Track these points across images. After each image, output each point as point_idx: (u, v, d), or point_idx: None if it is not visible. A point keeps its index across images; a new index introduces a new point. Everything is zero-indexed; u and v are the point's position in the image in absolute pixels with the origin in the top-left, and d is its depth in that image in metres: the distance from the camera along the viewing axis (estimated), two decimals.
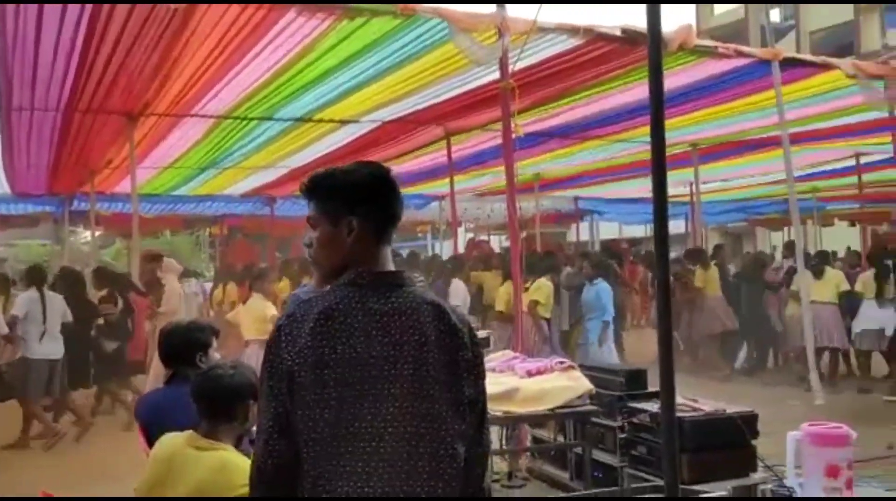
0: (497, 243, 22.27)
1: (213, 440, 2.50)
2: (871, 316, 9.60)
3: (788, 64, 7.93)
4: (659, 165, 2.72)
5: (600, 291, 8.94)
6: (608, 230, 23.07)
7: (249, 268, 11.17)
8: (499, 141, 9.60)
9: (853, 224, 23.46)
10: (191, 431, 2.53)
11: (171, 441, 2.55)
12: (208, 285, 14.72)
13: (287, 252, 17.37)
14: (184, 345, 3.05)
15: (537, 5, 5.69)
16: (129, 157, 8.60)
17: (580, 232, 21.39)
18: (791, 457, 2.68)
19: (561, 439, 5.26)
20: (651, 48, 2.69)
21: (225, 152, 10.22)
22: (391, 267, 1.83)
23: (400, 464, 1.64)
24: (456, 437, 1.69)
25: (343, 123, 8.74)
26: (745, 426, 4.25)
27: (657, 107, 2.77)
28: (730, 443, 4.21)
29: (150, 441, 2.82)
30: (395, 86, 7.47)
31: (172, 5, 5.32)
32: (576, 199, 17.34)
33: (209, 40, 6.04)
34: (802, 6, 33.80)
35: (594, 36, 6.55)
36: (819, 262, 10.13)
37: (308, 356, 1.67)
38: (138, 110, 7.85)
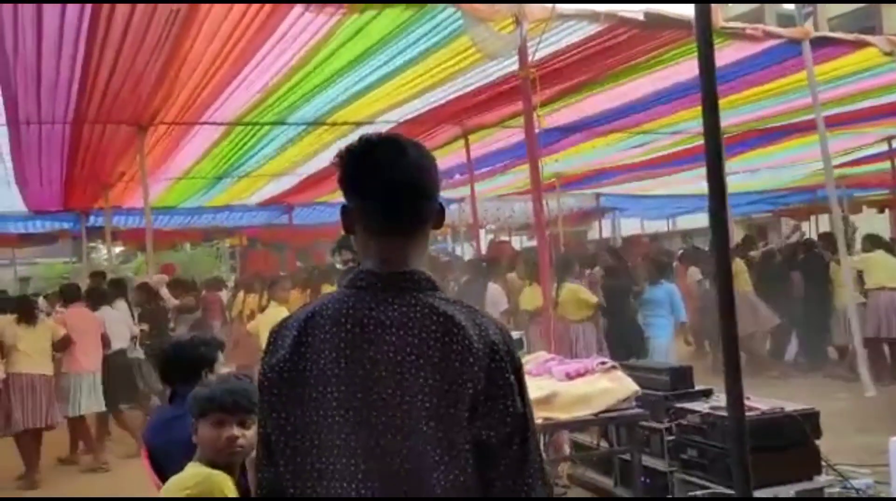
0: (518, 243, 21.97)
1: None
2: None
3: (819, 44, 7.58)
4: (715, 154, 2.44)
5: (670, 291, 8.70)
6: (629, 227, 22.68)
7: (267, 277, 10.99)
8: (518, 138, 9.41)
9: (882, 211, 22.94)
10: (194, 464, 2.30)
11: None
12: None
13: (308, 260, 17.19)
14: (188, 362, 2.79)
15: None
16: (140, 169, 8.42)
17: (602, 229, 21.03)
18: (895, 466, 2.35)
19: (604, 443, 4.94)
20: (699, 26, 2.41)
21: (239, 161, 10.02)
22: (410, 266, 1.46)
23: None
24: (450, 489, 1.32)
25: (357, 125, 8.50)
26: (807, 424, 3.94)
27: (710, 87, 2.49)
28: (791, 443, 3.91)
29: (155, 464, 2.58)
30: (410, 83, 7.21)
31: (174, 5, 5.10)
32: (597, 196, 17.01)
33: (214, 43, 5.82)
34: None
35: (616, 21, 6.26)
36: (877, 244, 9.68)
37: (285, 369, 1.40)
38: (147, 119, 7.66)
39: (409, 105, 7.92)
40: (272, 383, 1.41)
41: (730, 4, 32.97)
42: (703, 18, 2.43)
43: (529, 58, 5.92)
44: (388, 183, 1.45)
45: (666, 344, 8.48)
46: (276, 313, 7.63)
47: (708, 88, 2.36)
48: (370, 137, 1.52)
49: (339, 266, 3.98)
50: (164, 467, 2.56)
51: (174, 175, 10.62)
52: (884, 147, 12.70)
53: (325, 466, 1.36)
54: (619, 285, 8.98)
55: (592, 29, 6.30)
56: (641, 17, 6.33)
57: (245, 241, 18.90)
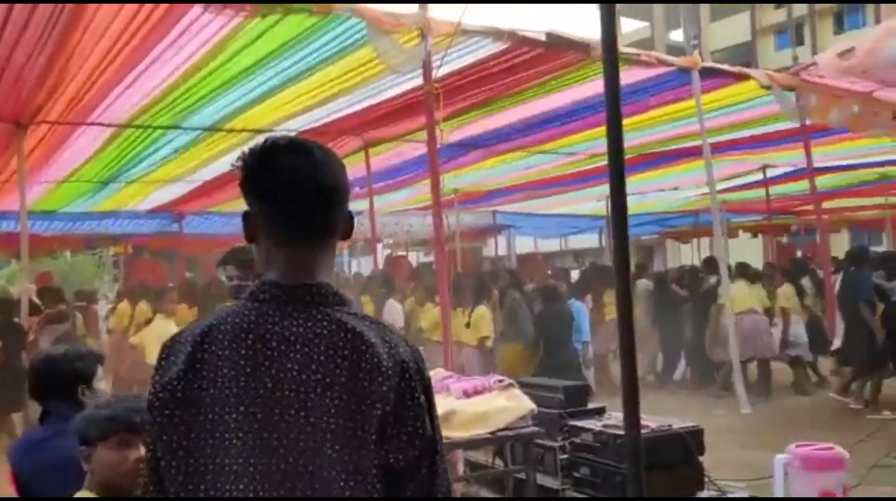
0: (415, 258, 21.97)
1: None
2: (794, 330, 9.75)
3: (707, 73, 7.99)
4: (618, 174, 2.49)
5: (577, 312, 8.72)
6: (523, 245, 23.13)
7: (153, 288, 10.48)
8: (418, 153, 9.41)
9: (755, 235, 24.43)
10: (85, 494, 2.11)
11: None
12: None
13: (199, 272, 16.57)
14: (62, 377, 2.54)
15: (461, 6, 5.42)
16: (18, 170, 7.86)
17: (497, 247, 21.35)
18: (779, 481, 2.44)
19: (499, 462, 4.94)
20: (605, 48, 2.46)
21: (127, 165, 9.53)
22: (317, 278, 1.37)
23: None
24: None
25: (255, 132, 8.26)
26: (692, 441, 4.07)
27: (614, 107, 2.54)
28: (677, 460, 4.00)
29: (21, 489, 2.37)
30: (311, 92, 7.08)
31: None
32: (494, 213, 17.27)
33: (105, 39, 5.52)
34: (704, 27, 35.23)
35: (518, 40, 6.37)
36: (743, 273, 10.22)
37: (178, 389, 1.28)
38: (27, 117, 7.16)
39: (310, 115, 7.77)
40: (164, 403, 1.30)
41: (623, 33, 34.45)
42: (610, 40, 2.48)
43: (434, 73, 5.92)
44: (295, 187, 1.36)
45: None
46: (163, 326, 7.30)
47: (613, 112, 2.40)
48: (276, 138, 1.42)
49: (225, 282, 3.81)
50: (32, 492, 2.36)
51: (56, 178, 9.99)
52: (759, 176, 13.51)
53: (220, 493, 1.26)
54: (555, 310, 8.87)
55: (496, 47, 6.38)
56: (543, 38, 6.47)
57: (130, 249, 18.03)
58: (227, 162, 9.42)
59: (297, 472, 1.25)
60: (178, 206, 12.96)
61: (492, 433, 4.04)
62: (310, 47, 6.01)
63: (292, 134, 8.32)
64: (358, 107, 7.65)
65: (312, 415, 1.27)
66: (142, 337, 7.79)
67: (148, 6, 5.05)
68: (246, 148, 1.42)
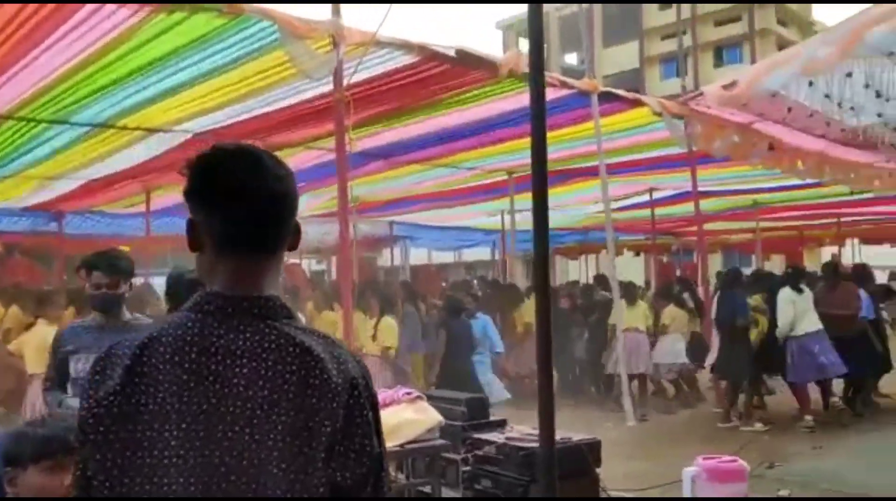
0: (307, 266, 21.64)
1: None
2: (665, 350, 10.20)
3: (605, 98, 8.31)
4: (540, 188, 2.55)
5: (486, 324, 8.75)
6: (417, 256, 23.26)
7: (31, 291, 9.80)
8: (318, 160, 9.29)
9: (638, 254, 25.59)
10: None
11: None
12: None
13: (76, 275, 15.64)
14: None
15: (377, 17, 5.42)
16: None
17: (393, 257, 21.38)
18: (687, 492, 2.56)
19: (401, 475, 4.92)
20: (532, 49, 2.53)
21: (4, 159, 8.92)
22: (265, 290, 1.33)
23: None
24: None
25: (150, 131, 7.93)
26: (590, 453, 4.19)
27: (539, 118, 2.61)
28: (576, 472, 4.12)
29: None
30: (214, 93, 6.86)
31: None
32: (391, 224, 17.28)
33: None
34: (596, 53, 36.64)
35: (428, 54, 6.42)
36: (630, 291, 10.64)
37: (114, 404, 1.22)
38: None
39: (212, 116, 7.52)
40: (98, 419, 1.22)
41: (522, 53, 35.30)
42: (536, 48, 2.54)
43: (345, 80, 5.88)
44: (245, 195, 1.32)
45: (489, 379, 8.58)
46: (45, 332, 6.82)
47: (538, 127, 2.47)
48: (223, 145, 1.38)
49: (89, 289, 3.56)
50: None
51: None
52: (646, 197, 14.17)
53: None
54: (455, 323, 8.84)
55: (406, 59, 6.40)
56: (452, 54, 6.55)
57: (0, 248, 16.84)
58: (118, 160, 9.00)
59: (240, 491, 1.21)
60: (59, 204, 12.24)
61: (401, 445, 4.04)
62: (216, 47, 5.83)
63: (190, 135, 8.08)
64: (262, 110, 7.47)
65: (258, 433, 1.23)
66: (20, 343, 7.24)
67: None
68: (192, 156, 1.37)
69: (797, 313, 8.68)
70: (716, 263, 23.77)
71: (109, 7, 4.93)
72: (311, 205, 12.93)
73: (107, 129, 7.75)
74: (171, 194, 10.79)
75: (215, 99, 7.01)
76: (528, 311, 10.90)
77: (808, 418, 8.47)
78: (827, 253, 24.83)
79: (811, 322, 8.69)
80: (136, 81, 6.45)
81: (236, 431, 1.23)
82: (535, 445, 4.10)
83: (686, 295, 11.32)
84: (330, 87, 6.08)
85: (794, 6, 40.48)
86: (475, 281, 16.73)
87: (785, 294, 8.83)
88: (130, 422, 1.22)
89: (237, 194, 1.32)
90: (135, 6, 4.95)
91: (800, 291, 8.86)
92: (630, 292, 10.64)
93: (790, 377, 8.87)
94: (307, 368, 1.27)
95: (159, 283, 13.62)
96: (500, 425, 4.75)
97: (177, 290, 2.50)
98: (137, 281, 10.37)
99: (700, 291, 11.58)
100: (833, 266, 9.92)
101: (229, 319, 1.29)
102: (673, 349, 10.19)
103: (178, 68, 6.20)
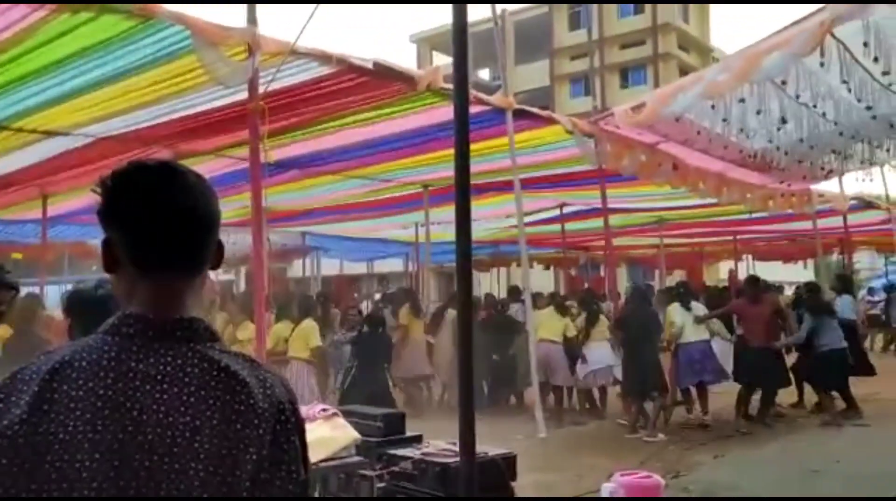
0: (213, 275, 21.04)
1: None
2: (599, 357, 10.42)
3: (519, 115, 8.47)
4: (463, 202, 2.56)
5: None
6: (329, 267, 23.00)
7: None
8: (229, 169, 9.07)
9: (548, 267, 26.15)
10: None
11: None
12: None
13: None
14: None
15: (295, 23, 5.34)
16: None
17: (305, 268, 21.07)
18: None
19: (316, 492, 4.82)
20: (456, 49, 2.54)
21: None
22: (187, 312, 1.27)
23: None
24: None
25: (48, 134, 7.53)
26: (506, 467, 4.22)
27: (462, 132, 2.62)
28: (493, 486, 4.13)
29: None
30: (121, 97, 6.59)
31: None
32: (304, 234, 17.03)
33: None
34: (509, 69, 37.27)
35: (346, 66, 6.38)
36: (547, 303, 10.80)
37: (20, 434, 1.12)
38: None
39: (117, 120, 7.22)
40: (1, 450, 1.14)
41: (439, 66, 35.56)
42: (461, 47, 2.55)
43: (261, 89, 5.76)
44: (165, 212, 1.26)
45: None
46: None
47: (461, 138, 2.48)
48: (141, 161, 1.31)
49: None
50: None
51: None
52: (557, 212, 14.51)
53: None
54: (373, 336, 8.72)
55: (323, 70, 6.34)
56: (370, 66, 6.53)
57: None
58: (10, 162, 8.50)
59: None
60: None
61: (316, 463, 3.94)
62: (124, 51, 5.61)
63: (90, 139, 7.73)
64: (171, 116, 7.23)
65: (178, 461, 1.16)
66: None
67: None
68: (107, 172, 1.29)
69: (685, 324, 9.50)
70: (622, 276, 24.53)
71: (3, 5, 4.67)
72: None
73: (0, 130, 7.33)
74: (71, 200, 10.31)
75: (122, 103, 6.75)
76: (402, 317, 10.96)
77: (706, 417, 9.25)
78: (724, 268, 26.05)
79: (696, 332, 9.52)
80: (37, 82, 6.13)
81: (154, 460, 1.16)
82: (452, 460, 4.11)
83: (597, 307, 11.55)
84: (245, 95, 5.94)
85: (694, 33, 42.37)
86: (383, 291, 16.68)
87: (673, 308, 9.67)
88: (37, 453, 1.13)
89: (156, 211, 1.26)
90: (34, 5, 4.70)
91: (688, 307, 9.68)
92: (554, 303, 10.84)
93: (677, 382, 9.53)
94: (231, 393, 1.21)
95: (54, 292, 12.98)
96: (416, 440, 4.72)
97: (81, 308, 2.35)
98: (35, 290, 9.84)
99: (610, 305, 11.86)
100: (755, 279, 10.33)
101: (150, 342, 1.22)
102: (603, 356, 10.30)
103: (82, 70, 5.93)
